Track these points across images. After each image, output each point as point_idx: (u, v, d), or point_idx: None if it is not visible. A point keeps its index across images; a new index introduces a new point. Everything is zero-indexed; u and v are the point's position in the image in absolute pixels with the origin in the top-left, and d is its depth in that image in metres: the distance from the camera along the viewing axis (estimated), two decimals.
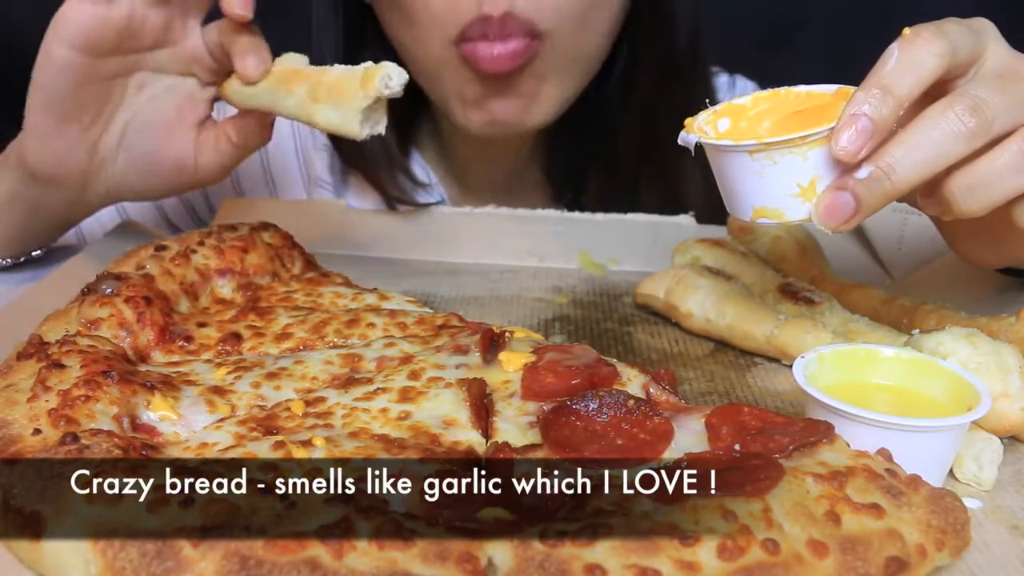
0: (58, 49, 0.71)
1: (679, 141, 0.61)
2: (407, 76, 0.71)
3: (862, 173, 0.55)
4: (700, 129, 0.61)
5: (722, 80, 1.16)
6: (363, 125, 0.72)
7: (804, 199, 0.58)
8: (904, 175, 0.54)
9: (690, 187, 1.05)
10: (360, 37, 1.03)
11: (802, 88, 0.62)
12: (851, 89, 0.57)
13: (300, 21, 1.05)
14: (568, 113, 1.00)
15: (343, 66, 0.73)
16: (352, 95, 0.71)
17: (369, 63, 0.73)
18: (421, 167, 1.12)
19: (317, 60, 0.76)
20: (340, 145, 1.09)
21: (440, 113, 1.06)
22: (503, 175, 1.12)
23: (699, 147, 0.61)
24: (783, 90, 0.63)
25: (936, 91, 0.56)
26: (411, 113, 1.09)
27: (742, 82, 1.17)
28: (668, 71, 1.04)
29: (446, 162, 1.13)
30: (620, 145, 1.06)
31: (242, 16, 0.72)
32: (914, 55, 0.55)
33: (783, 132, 0.58)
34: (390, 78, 0.71)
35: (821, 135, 0.56)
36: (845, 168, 0.56)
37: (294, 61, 0.76)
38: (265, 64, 0.75)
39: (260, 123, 0.80)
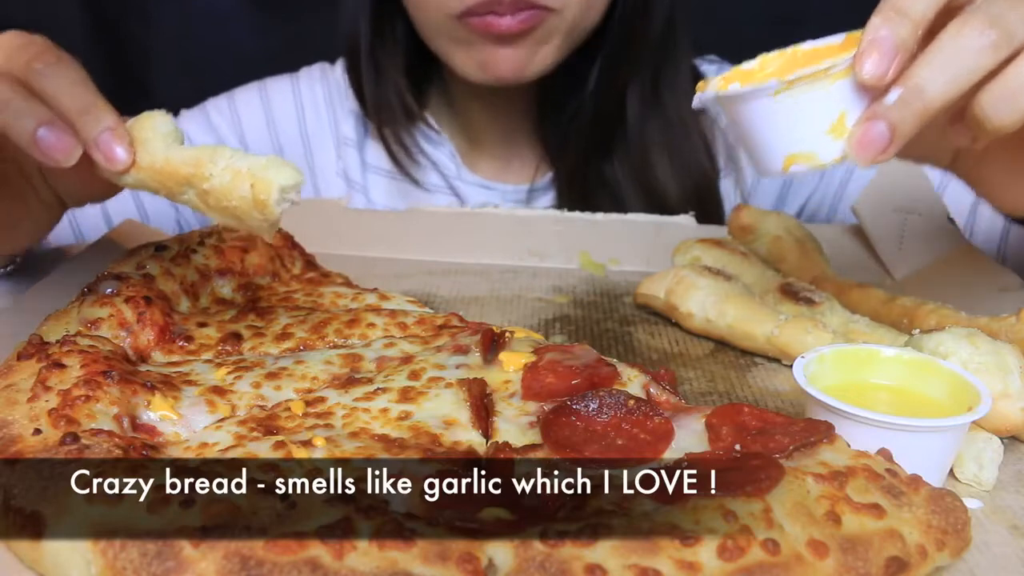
0: None
1: (694, 104, 0.59)
2: (301, 180, 0.60)
3: (891, 98, 0.54)
4: (722, 81, 0.59)
5: (712, 69, 1.20)
6: (272, 227, 0.62)
7: (835, 136, 0.55)
8: (935, 92, 0.53)
9: (660, 172, 1.09)
10: None
11: (809, 44, 0.61)
12: (859, 34, 0.55)
13: None
14: (557, 78, 1.06)
15: (217, 164, 0.61)
16: (250, 216, 0.61)
17: (249, 162, 0.61)
18: (433, 123, 1.17)
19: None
20: (362, 98, 1.14)
21: (449, 73, 1.11)
22: (503, 132, 1.17)
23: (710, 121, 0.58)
24: (790, 49, 0.61)
25: (947, 16, 0.55)
26: (423, 74, 1.15)
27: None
28: (640, 52, 1.08)
29: (454, 119, 1.18)
30: (593, 119, 1.10)
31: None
32: None
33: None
34: (285, 193, 0.60)
35: (843, 66, 0.54)
36: (873, 97, 0.55)
37: (153, 129, 0.63)
38: (126, 151, 0.62)
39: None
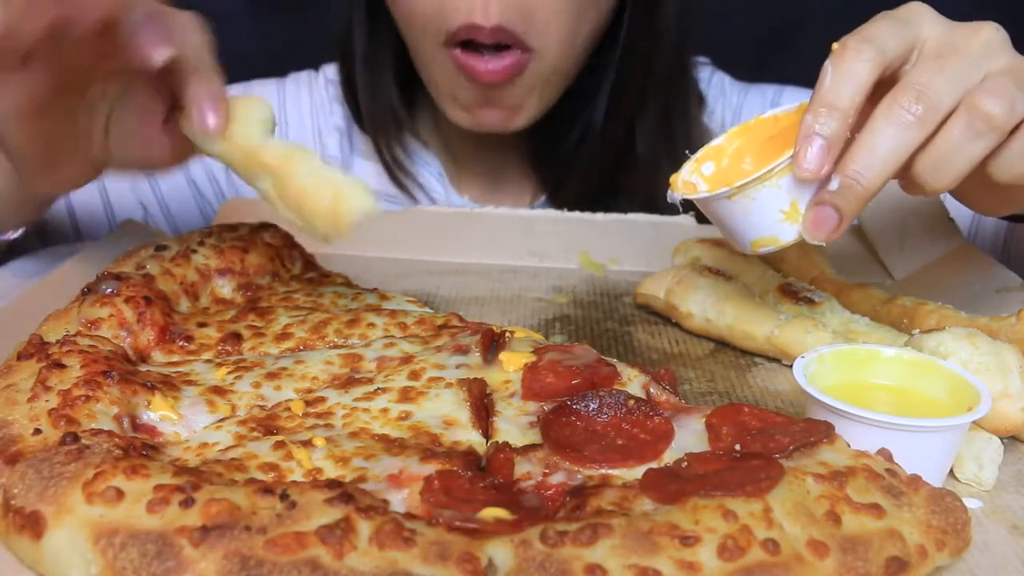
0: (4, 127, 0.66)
1: (668, 200, 0.66)
2: (378, 207, 0.64)
3: (834, 185, 0.59)
4: (686, 183, 0.66)
5: (705, 72, 1.19)
6: (334, 238, 0.66)
7: (791, 222, 0.61)
8: (872, 176, 0.57)
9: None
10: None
11: (768, 113, 0.67)
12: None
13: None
14: (555, 111, 1.04)
15: (304, 167, 0.64)
16: (318, 221, 0.64)
17: (337, 176, 0.64)
18: (421, 140, 1.16)
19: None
20: (356, 106, 1.13)
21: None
22: (493, 156, 1.16)
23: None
24: (752, 120, 0.67)
25: (887, 83, 0.59)
26: (412, 87, 1.13)
27: (719, 76, 1.20)
28: (650, 80, 1.07)
29: (441, 140, 1.17)
30: (602, 152, 1.09)
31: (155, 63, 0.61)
32: (846, 67, 0.58)
33: (762, 163, 0.61)
34: (362, 217, 0.63)
35: (784, 164, 0.59)
36: (817, 184, 0.59)
37: (253, 115, 0.66)
38: (220, 119, 0.65)
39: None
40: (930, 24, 0.60)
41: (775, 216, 0.61)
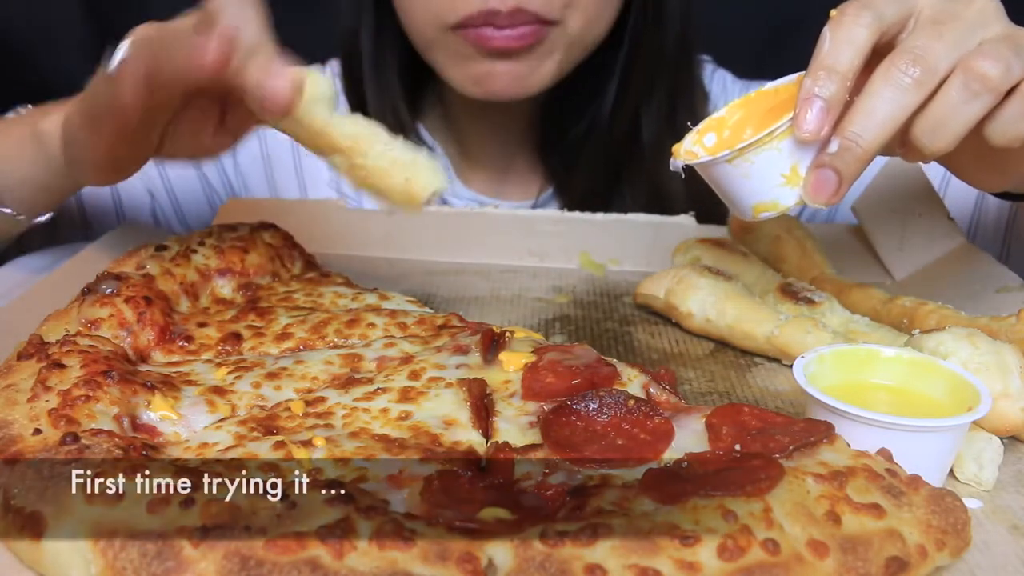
0: (82, 152, 0.68)
1: (671, 168, 0.66)
2: (447, 183, 0.67)
3: (833, 147, 0.59)
4: (687, 152, 0.66)
5: (707, 70, 1.20)
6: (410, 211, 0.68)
7: (792, 185, 0.61)
8: (870, 137, 0.58)
9: (673, 186, 1.08)
10: None
11: (769, 85, 0.67)
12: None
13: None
14: (562, 96, 1.04)
15: (374, 147, 0.65)
16: (394, 198, 0.66)
17: (406, 155, 0.65)
18: (425, 133, 1.15)
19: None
20: (362, 103, 1.12)
21: (444, 83, 1.09)
22: (500, 147, 1.15)
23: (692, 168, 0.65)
24: (752, 92, 0.67)
25: (884, 51, 0.60)
26: (417, 82, 1.13)
27: (720, 73, 1.21)
28: (656, 71, 1.07)
29: (449, 131, 1.16)
30: (608, 139, 1.09)
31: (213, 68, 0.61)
32: (844, 32, 0.59)
33: (762, 131, 0.61)
34: (435, 195, 0.66)
35: (785, 126, 0.60)
36: (817, 147, 0.60)
37: (316, 91, 0.65)
38: (286, 103, 0.64)
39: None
40: None
41: (776, 180, 0.61)
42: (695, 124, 0.68)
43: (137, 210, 1.07)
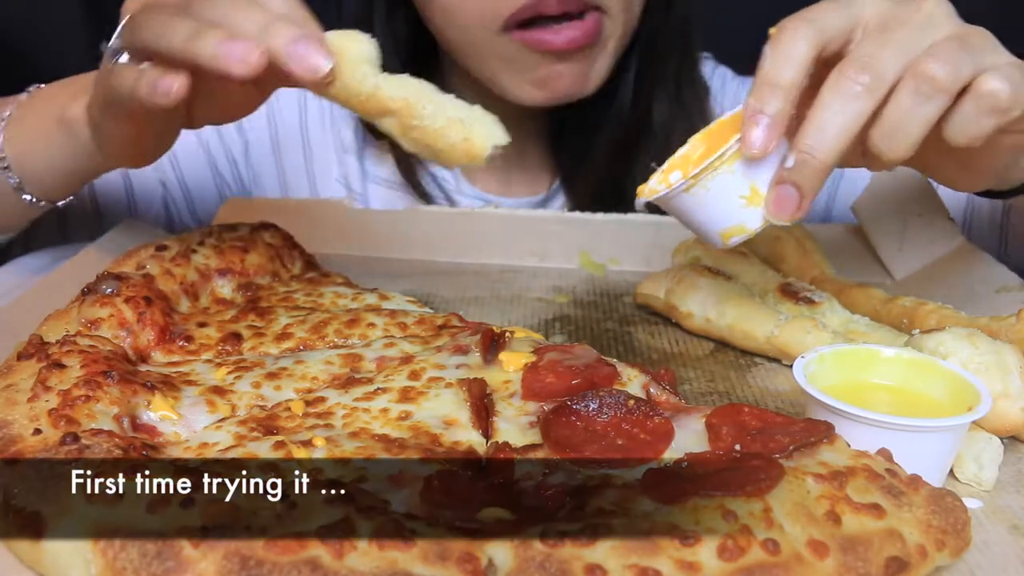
0: (112, 125, 0.67)
1: (636, 208, 0.67)
2: (507, 139, 0.64)
3: (790, 163, 0.59)
4: (651, 191, 0.66)
5: (707, 66, 1.20)
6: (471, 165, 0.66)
7: (755, 205, 0.61)
8: (826, 149, 0.58)
9: None
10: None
11: (727, 114, 0.67)
12: None
13: None
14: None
15: (427, 107, 0.63)
16: (453, 157, 0.64)
17: (461, 111, 0.63)
18: None
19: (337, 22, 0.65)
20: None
21: (448, 74, 1.08)
22: (511, 146, 1.13)
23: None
24: (714, 124, 0.67)
25: (835, 63, 0.59)
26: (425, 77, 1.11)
27: (721, 70, 1.21)
28: (667, 54, 1.07)
29: None
30: (623, 124, 1.08)
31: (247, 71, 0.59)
32: (783, 48, 0.59)
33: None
34: (495, 149, 0.63)
35: (733, 148, 0.60)
36: (774, 165, 0.60)
37: (359, 52, 0.63)
38: (324, 69, 0.61)
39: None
40: (872, 2, 0.60)
41: (737, 203, 0.61)
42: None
43: (149, 200, 1.07)
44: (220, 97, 0.70)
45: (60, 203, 0.82)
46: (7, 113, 0.78)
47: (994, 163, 0.66)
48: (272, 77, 0.62)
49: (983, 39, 0.59)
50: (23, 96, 0.80)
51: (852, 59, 0.58)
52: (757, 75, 0.59)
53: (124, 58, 0.63)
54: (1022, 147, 0.64)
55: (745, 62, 1.23)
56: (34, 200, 0.80)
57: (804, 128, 0.58)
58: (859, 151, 0.61)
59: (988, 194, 0.78)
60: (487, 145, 0.63)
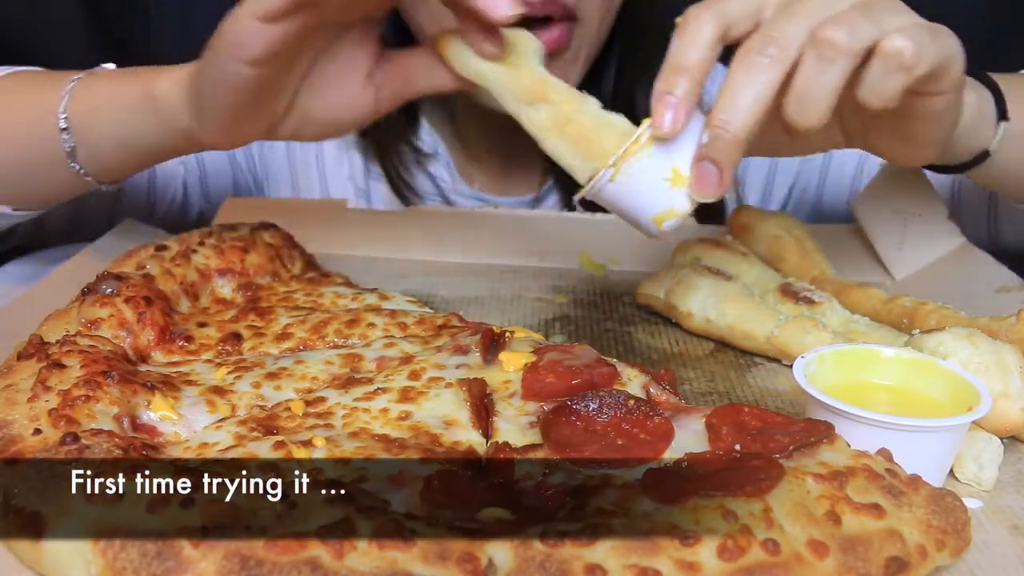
0: (235, 67, 0.63)
1: (573, 206, 0.69)
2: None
3: (705, 139, 0.60)
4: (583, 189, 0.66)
5: None
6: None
7: (680, 186, 0.62)
8: (739, 122, 0.59)
9: None
10: None
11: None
12: None
13: None
14: None
15: (586, 105, 0.66)
16: (603, 154, 0.64)
17: (623, 120, 0.65)
18: (428, 132, 1.14)
19: None
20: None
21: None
22: (503, 143, 1.14)
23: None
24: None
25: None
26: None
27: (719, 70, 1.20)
28: (651, 48, 1.06)
29: (450, 131, 1.15)
30: None
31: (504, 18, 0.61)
32: (688, 32, 0.60)
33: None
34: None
35: (647, 133, 0.61)
36: (693, 145, 0.61)
37: (527, 46, 0.67)
38: (498, 45, 0.65)
39: (430, 60, 0.70)
40: None
41: (661, 186, 0.62)
42: None
43: (169, 178, 1.07)
44: (335, 85, 0.69)
45: (105, 187, 0.79)
46: (77, 76, 0.76)
47: (926, 132, 0.67)
48: (394, 77, 0.67)
49: (887, 3, 0.60)
50: (97, 69, 0.78)
51: (757, 35, 0.60)
52: (664, 62, 0.61)
53: None
54: (943, 112, 0.65)
55: (728, 51, 1.23)
56: (82, 171, 0.77)
57: (716, 105, 0.60)
58: (779, 127, 0.62)
59: (945, 169, 0.79)
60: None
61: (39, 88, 0.79)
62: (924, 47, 0.58)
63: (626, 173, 0.62)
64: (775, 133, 0.63)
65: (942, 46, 0.60)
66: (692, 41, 0.60)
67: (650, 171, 0.62)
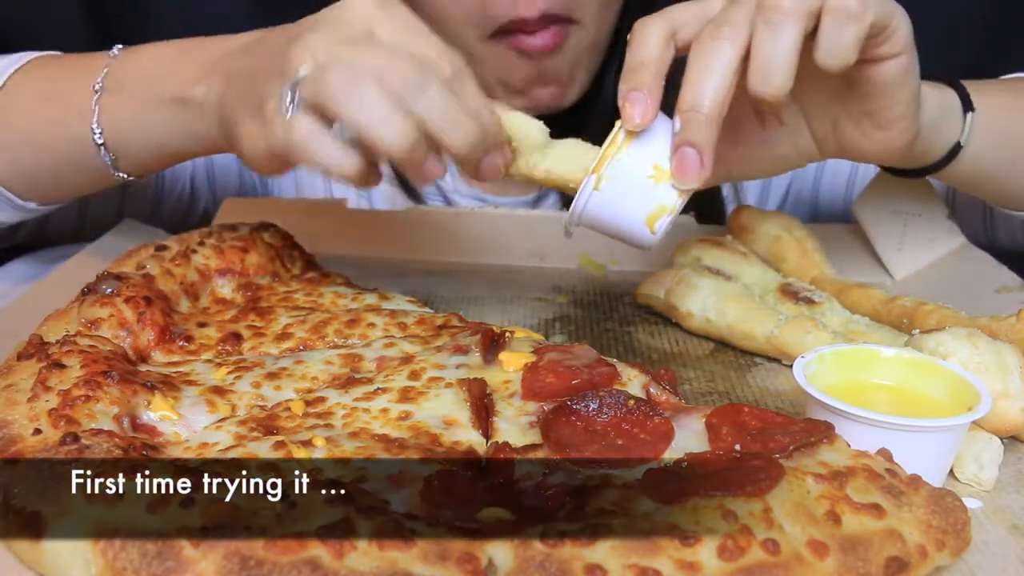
0: (260, 156, 0.64)
1: (564, 235, 0.68)
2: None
3: (677, 126, 0.61)
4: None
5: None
6: None
7: (663, 181, 0.62)
8: (709, 102, 0.60)
9: None
10: None
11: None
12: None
13: None
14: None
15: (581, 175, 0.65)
16: (584, 169, 0.65)
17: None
18: None
19: None
20: None
21: None
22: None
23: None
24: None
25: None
26: None
27: None
28: None
29: None
30: (607, 115, 1.08)
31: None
32: (640, 37, 0.63)
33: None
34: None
35: (622, 133, 0.62)
36: (668, 138, 0.62)
37: (528, 136, 0.67)
38: (495, 173, 0.67)
39: None
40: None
41: (645, 184, 0.62)
42: None
43: (178, 174, 1.06)
44: None
45: (139, 180, 0.79)
46: (98, 81, 0.74)
47: (893, 106, 0.67)
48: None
49: None
50: (108, 57, 0.75)
51: (709, 26, 0.61)
52: (623, 67, 0.63)
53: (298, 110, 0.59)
54: (902, 79, 0.65)
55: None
56: (119, 175, 0.76)
57: (682, 93, 0.61)
58: (751, 109, 0.63)
59: (925, 171, 0.79)
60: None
61: (65, 91, 0.77)
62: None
63: (608, 178, 0.62)
64: (743, 115, 0.64)
65: (884, 1, 0.61)
66: (644, 43, 0.62)
67: (631, 170, 0.62)
